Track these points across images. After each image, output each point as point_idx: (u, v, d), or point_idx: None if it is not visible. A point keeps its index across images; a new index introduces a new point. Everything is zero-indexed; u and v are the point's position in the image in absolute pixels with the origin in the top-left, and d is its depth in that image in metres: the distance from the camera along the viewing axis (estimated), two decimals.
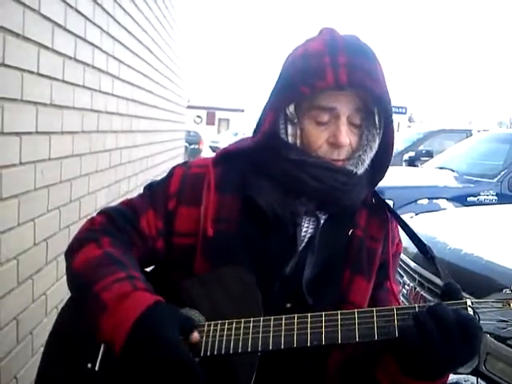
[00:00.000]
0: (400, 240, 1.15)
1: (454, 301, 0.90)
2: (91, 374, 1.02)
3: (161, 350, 0.86)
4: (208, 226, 1.03)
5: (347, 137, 1.01)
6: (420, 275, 2.53)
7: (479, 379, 1.96)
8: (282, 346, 0.89)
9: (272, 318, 0.92)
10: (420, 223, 3.09)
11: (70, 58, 2.33)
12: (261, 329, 0.91)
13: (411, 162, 7.48)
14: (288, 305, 1.02)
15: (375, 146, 1.05)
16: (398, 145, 9.04)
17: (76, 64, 2.43)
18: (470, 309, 0.88)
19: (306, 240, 1.04)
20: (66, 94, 2.32)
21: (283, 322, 0.91)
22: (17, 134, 1.83)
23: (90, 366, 1.02)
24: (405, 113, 20.62)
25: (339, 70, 0.96)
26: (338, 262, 1.05)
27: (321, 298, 1.01)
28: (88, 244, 1.02)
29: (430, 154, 7.37)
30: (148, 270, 1.15)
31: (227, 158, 1.11)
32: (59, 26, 2.17)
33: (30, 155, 1.93)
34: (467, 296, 2.06)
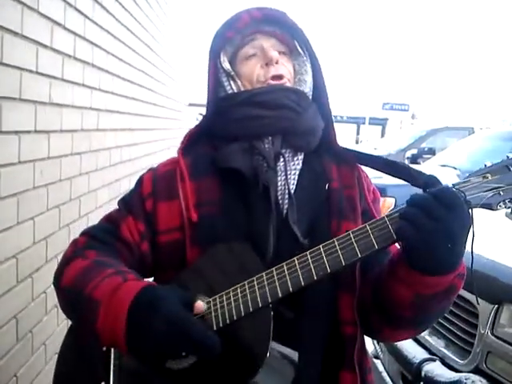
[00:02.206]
0: (375, 188, 1.19)
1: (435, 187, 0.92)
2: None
3: (163, 324, 0.83)
4: (191, 213, 1.03)
5: (275, 50, 1.10)
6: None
7: (480, 377, 1.95)
8: (291, 289, 0.89)
9: (274, 268, 0.91)
10: None
11: (69, 56, 2.33)
12: (266, 282, 0.90)
13: (413, 160, 7.48)
14: None
15: (308, 69, 1.13)
16: (401, 142, 9.04)
17: (75, 62, 2.42)
18: (453, 189, 0.90)
19: (286, 196, 1.05)
20: (66, 93, 2.31)
21: (285, 267, 0.91)
22: (15, 132, 1.82)
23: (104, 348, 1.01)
24: (407, 110, 20.57)
25: (252, 11, 1.13)
26: (323, 215, 1.07)
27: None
28: (73, 261, 1.02)
29: (432, 152, 7.36)
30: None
31: (191, 144, 1.15)
32: (58, 24, 2.16)
33: (28, 154, 1.92)
34: (470, 294, 2.06)
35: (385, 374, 2.56)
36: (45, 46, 2.03)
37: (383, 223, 0.90)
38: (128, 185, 3.75)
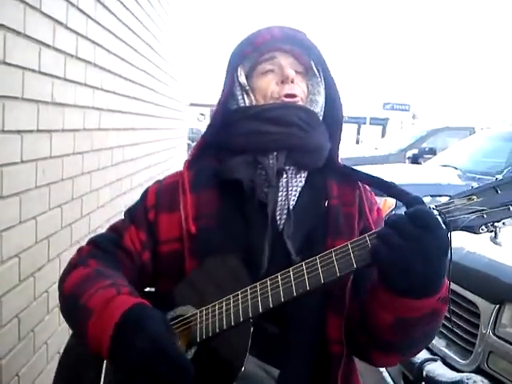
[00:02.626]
0: (379, 207, 1.19)
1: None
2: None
3: (149, 343, 0.86)
4: (190, 225, 1.05)
5: (292, 70, 1.11)
6: None
7: (482, 377, 1.95)
8: (271, 305, 0.90)
9: (258, 283, 0.92)
10: None
11: (72, 55, 2.33)
12: (249, 296, 0.92)
13: (414, 160, 7.48)
14: None
15: (322, 90, 1.15)
16: (402, 142, 9.04)
17: (77, 62, 2.42)
18: (435, 211, 0.88)
19: (285, 211, 1.06)
20: (68, 92, 2.31)
21: (268, 283, 0.91)
22: (18, 132, 1.83)
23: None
24: (408, 110, 20.56)
25: (272, 29, 1.14)
26: (318, 231, 1.07)
27: None
28: (75, 269, 1.06)
29: (433, 152, 7.36)
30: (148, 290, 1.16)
31: (198, 157, 1.17)
32: (60, 23, 2.16)
33: (31, 153, 1.93)
34: (471, 294, 2.06)
35: (386, 374, 2.56)
36: (47, 46, 2.03)
37: (364, 242, 0.89)
38: (129, 184, 3.75)
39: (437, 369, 2.10)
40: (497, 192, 0.89)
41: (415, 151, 7.78)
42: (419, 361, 2.14)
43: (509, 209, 0.88)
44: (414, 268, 0.85)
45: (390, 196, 1.09)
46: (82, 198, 2.58)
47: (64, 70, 2.24)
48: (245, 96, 1.13)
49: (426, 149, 7.70)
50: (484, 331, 1.98)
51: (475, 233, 0.90)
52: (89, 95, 2.64)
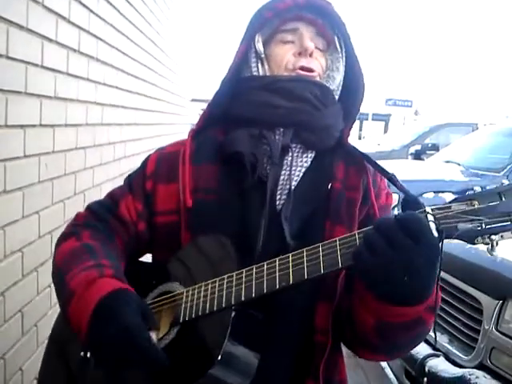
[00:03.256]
0: (389, 192, 1.13)
1: (413, 211, 0.83)
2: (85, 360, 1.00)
3: (120, 332, 0.84)
4: (187, 198, 1.02)
5: (312, 42, 1.06)
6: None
7: (484, 373, 1.95)
8: (253, 295, 0.88)
9: (244, 270, 0.90)
10: None
11: (74, 50, 2.33)
12: (234, 283, 0.90)
13: (417, 156, 7.46)
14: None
15: (341, 67, 1.10)
16: (404, 138, 9.02)
17: (80, 56, 2.42)
18: (430, 216, 0.80)
19: (285, 191, 1.02)
20: (70, 87, 2.31)
21: (254, 271, 0.90)
22: (21, 126, 1.82)
23: (82, 354, 0.99)
24: (411, 106, 20.51)
25: None
26: (318, 215, 1.03)
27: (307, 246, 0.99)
28: (67, 239, 1.05)
29: (436, 148, 7.34)
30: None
31: (204, 127, 1.13)
32: (63, 18, 2.16)
33: (34, 148, 1.93)
34: (474, 290, 2.06)
35: (388, 370, 2.57)
36: (50, 40, 2.03)
37: (353, 240, 0.84)
38: None
39: (439, 364, 2.11)
40: (501, 199, 0.81)
41: (418, 147, 7.76)
42: (421, 356, 2.15)
43: (510, 220, 0.80)
44: (395, 278, 0.79)
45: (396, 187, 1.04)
46: (84, 193, 2.58)
47: (67, 65, 2.23)
48: (259, 64, 1.08)
49: (429, 145, 7.67)
50: (487, 327, 1.98)
51: (473, 243, 0.82)
52: (91, 90, 2.63)
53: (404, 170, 5.49)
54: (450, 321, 2.24)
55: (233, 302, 0.89)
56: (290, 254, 0.89)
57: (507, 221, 0.80)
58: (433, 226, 0.80)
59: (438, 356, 2.16)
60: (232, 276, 0.91)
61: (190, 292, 0.94)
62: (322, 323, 1.01)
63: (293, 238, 0.98)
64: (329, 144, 1.08)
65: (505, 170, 5.12)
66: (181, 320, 0.93)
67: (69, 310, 0.93)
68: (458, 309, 2.18)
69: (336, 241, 0.85)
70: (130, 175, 1.15)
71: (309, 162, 1.06)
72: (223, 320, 0.89)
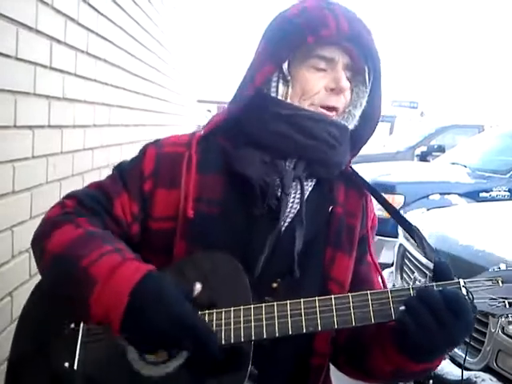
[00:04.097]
0: (375, 213, 1.14)
1: (447, 281, 0.91)
2: (70, 372, 0.94)
3: (170, 309, 0.81)
4: (188, 208, 0.98)
5: (347, 81, 1.01)
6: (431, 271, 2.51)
7: (491, 376, 1.95)
8: (277, 334, 0.88)
9: (264, 305, 0.89)
10: (431, 219, 3.07)
11: (83, 51, 2.34)
12: (252, 317, 0.88)
13: (423, 157, 7.43)
14: (274, 285, 0.99)
15: (363, 102, 1.05)
16: (410, 140, 9.00)
17: (88, 58, 2.43)
18: (463, 289, 0.89)
19: (292, 211, 1.02)
20: (78, 88, 2.32)
21: (275, 308, 0.89)
22: (29, 127, 1.84)
23: (67, 364, 0.95)
24: (416, 107, 20.46)
25: (340, 19, 0.99)
26: (319, 239, 1.04)
27: (307, 275, 1.00)
28: (63, 225, 0.95)
29: (442, 149, 7.31)
30: None
31: (208, 136, 1.07)
32: (72, 19, 2.17)
33: (42, 149, 1.94)
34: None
35: None
36: (58, 41, 2.04)
37: (385, 298, 0.89)
38: None
39: (445, 367, 2.11)
40: None
41: (424, 149, 7.73)
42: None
43: None
44: (437, 350, 0.88)
45: (414, 242, 1.08)
46: None
47: (75, 66, 2.25)
48: (280, 85, 1.01)
49: (435, 146, 7.64)
50: (493, 330, 1.98)
51: (495, 317, 0.95)
52: (99, 91, 2.65)
53: (410, 171, 5.48)
54: None
55: (253, 338, 0.88)
56: (317, 299, 0.89)
57: None
58: (468, 301, 0.88)
59: (443, 359, 2.15)
60: (250, 309, 0.89)
61: (207, 316, 0.89)
62: (322, 346, 1.03)
63: (297, 253, 0.99)
64: (335, 175, 1.08)
65: (511, 172, 5.10)
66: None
67: (91, 298, 0.85)
68: (490, 313, 2.18)
69: (367, 294, 0.89)
70: (122, 168, 1.06)
71: (311, 187, 1.06)
72: (244, 354, 0.88)
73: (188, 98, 6.75)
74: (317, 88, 1.00)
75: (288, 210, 1.01)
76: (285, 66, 1.01)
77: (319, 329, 0.88)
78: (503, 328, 1.96)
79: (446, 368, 2.11)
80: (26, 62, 1.77)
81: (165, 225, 1.01)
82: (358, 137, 1.09)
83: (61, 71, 2.08)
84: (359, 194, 1.10)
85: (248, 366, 0.88)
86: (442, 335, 0.85)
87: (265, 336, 0.87)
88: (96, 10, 2.48)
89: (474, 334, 2.10)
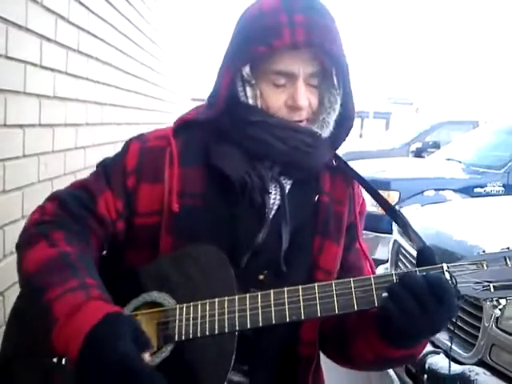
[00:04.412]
0: (363, 199, 1.13)
1: (430, 266, 0.90)
2: (59, 367, 0.94)
3: (114, 362, 0.80)
4: (173, 202, 0.97)
5: (306, 98, 0.99)
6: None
7: (484, 370, 1.95)
8: (260, 324, 0.87)
9: (248, 295, 0.89)
10: (426, 214, 3.07)
11: (74, 50, 2.33)
12: (236, 308, 0.88)
13: (418, 154, 7.46)
14: (261, 277, 0.99)
15: (337, 107, 1.03)
16: (405, 136, 9.02)
17: (79, 56, 2.42)
18: (446, 273, 0.88)
19: (274, 208, 1.01)
20: (70, 86, 2.31)
21: (259, 299, 0.88)
22: (20, 126, 1.83)
23: (55, 360, 0.95)
24: (411, 104, 20.50)
25: (296, 28, 0.94)
26: (307, 228, 1.03)
27: (294, 266, 1.00)
28: (39, 240, 0.95)
29: (437, 146, 7.33)
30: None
31: (186, 127, 1.06)
32: (62, 17, 2.16)
33: (33, 148, 1.93)
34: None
35: None
36: (49, 40, 2.03)
37: (369, 285, 0.88)
38: None
39: (439, 361, 2.10)
40: (506, 263, 0.89)
41: (419, 145, 7.75)
42: (422, 353, 2.15)
43: None
44: (420, 334, 0.88)
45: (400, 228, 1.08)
46: None
47: (66, 64, 2.24)
48: (248, 88, 1.00)
49: (430, 142, 7.67)
50: (487, 324, 1.98)
51: (480, 302, 0.93)
52: (91, 89, 2.64)
53: (405, 168, 5.49)
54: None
55: (237, 328, 0.88)
56: (300, 287, 0.89)
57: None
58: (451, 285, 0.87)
59: (438, 353, 2.15)
60: (234, 300, 0.89)
61: (185, 309, 0.90)
62: (309, 335, 1.02)
63: (283, 252, 0.99)
64: (314, 176, 1.07)
65: (505, 168, 5.11)
66: (176, 338, 0.89)
67: (52, 333, 0.85)
68: (474, 297, 2.17)
69: (350, 282, 0.89)
70: (105, 164, 1.05)
71: (290, 184, 1.05)
72: (226, 345, 0.87)
73: (182, 96, 6.74)
74: (277, 105, 0.99)
75: (271, 202, 1.01)
76: (245, 70, 0.99)
77: (302, 317, 0.88)
78: (497, 322, 1.96)
79: (441, 362, 2.11)
80: (16, 61, 1.77)
81: (150, 220, 1.00)
82: (335, 137, 1.07)
83: (51, 70, 2.08)
84: (345, 182, 1.09)
85: (231, 356, 0.87)
86: (424, 320, 0.84)
87: (248, 326, 0.87)
88: (87, 7, 2.47)
89: (468, 329, 2.11)
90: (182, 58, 6.54)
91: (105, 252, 1.08)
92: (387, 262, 3.33)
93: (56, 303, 0.86)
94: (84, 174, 2.56)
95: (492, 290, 0.88)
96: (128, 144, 1.06)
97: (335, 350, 1.06)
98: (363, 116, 18.99)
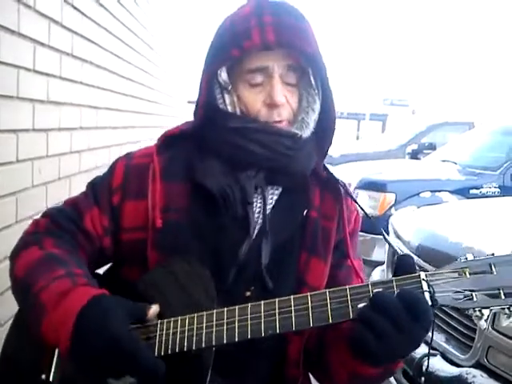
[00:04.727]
0: (358, 214, 1.12)
1: (407, 275, 0.85)
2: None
3: (108, 342, 0.80)
4: (156, 217, 0.99)
5: (283, 95, 0.99)
6: (422, 269, 2.52)
7: (481, 372, 1.95)
8: (236, 339, 0.86)
9: (225, 309, 0.88)
10: (422, 216, 3.07)
11: (68, 54, 2.33)
12: (214, 322, 0.87)
13: (414, 155, 7.45)
14: (247, 293, 0.99)
15: (317, 107, 1.03)
16: (401, 138, 9.02)
17: (73, 60, 2.42)
18: (423, 282, 0.83)
19: (259, 221, 1.01)
20: (64, 91, 2.31)
21: (236, 313, 0.87)
22: (13, 131, 1.82)
23: (44, 377, 0.95)
24: (407, 105, 20.54)
25: (265, 28, 0.96)
26: (294, 243, 1.03)
27: (280, 282, 0.99)
28: (30, 247, 0.99)
29: (432, 147, 7.33)
30: (101, 272, 1.12)
31: (170, 142, 1.08)
32: (55, 22, 2.15)
33: (27, 152, 1.92)
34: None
35: None
36: (42, 44, 2.02)
37: (344, 296, 0.85)
38: None
39: (436, 364, 2.10)
40: (491, 271, 0.82)
41: (415, 146, 7.75)
42: (419, 356, 2.14)
43: (500, 295, 0.81)
44: (395, 354, 0.84)
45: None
46: None
47: (60, 69, 2.23)
48: (225, 96, 1.01)
49: (426, 144, 7.67)
50: (483, 326, 1.98)
51: (463, 311, 0.86)
52: (85, 93, 2.63)
53: (401, 169, 5.50)
54: (447, 320, 2.23)
55: (213, 343, 0.86)
56: (277, 300, 0.87)
57: (497, 296, 0.81)
58: (427, 295, 0.82)
59: (435, 355, 2.15)
60: (212, 314, 0.88)
61: (165, 325, 0.89)
62: (295, 357, 1.02)
63: (268, 266, 0.99)
64: (301, 182, 1.06)
65: (501, 169, 5.12)
66: (156, 354, 0.88)
67: (42, 324, 0.87)
68: (455, 308, 2.18)
69: (326, 293, 0.86)
70: (94, 183, 1.09)
71: (280, 190, 1.04)
72: (204, 361, 0.87)
73: (178, 100, 6.74)
74: (256, 106, 1.00)
75: (256, 215, 1.01)
76: (222, 77, 1.00)
77: (277, 331, 0.85)
78: (493, 324, 1.96)
79: (437, 365, 2.11)
80: (9, 66, 1.76)
81: (135, 235, 1.02)
82: (320, 140, 1.07)
83: (45, 74, 2.07)
84: (335, 198, 1.08)
85: (207, 372, 0.86)
86: (401, 339, 0.81)
87: (225, 341, 0.86)
88: (80, 11, 2.47)
89: (465, 331, 2.11)
90: (179, 62, 6.54)
91: (102, 272, 1.11)
92: (384, 263, 3.33)
93: (42, 293, 0.89)
94: (79, 179, 2.58)
95: (475, 299, 0.81)
96: (115, 163, 1.10)
97: (316, 368, 1.06)
98: (360, 118, 19.01)
